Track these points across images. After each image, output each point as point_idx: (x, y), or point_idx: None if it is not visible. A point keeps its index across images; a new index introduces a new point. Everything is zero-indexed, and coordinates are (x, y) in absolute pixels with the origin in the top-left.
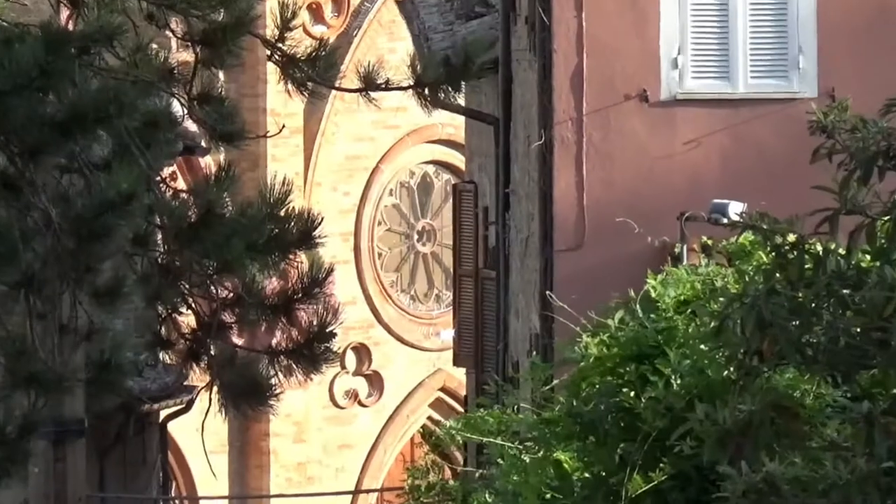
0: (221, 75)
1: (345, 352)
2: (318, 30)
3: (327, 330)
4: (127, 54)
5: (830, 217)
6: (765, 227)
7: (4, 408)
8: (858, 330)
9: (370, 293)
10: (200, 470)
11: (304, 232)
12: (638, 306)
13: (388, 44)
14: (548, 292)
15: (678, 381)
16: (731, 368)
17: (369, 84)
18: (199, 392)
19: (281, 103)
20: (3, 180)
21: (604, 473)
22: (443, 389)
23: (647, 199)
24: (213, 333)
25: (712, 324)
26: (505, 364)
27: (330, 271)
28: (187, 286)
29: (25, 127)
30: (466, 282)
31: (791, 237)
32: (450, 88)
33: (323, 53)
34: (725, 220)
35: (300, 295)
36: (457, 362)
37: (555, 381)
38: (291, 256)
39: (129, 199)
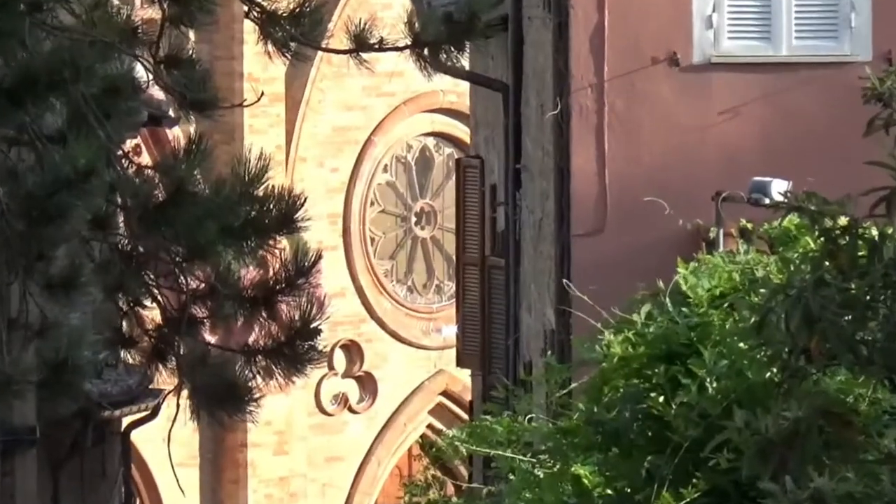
0: (192, 35)
1: (333, 351)
2: None
3: (312, 326)
4: (84, 11)
5: (887, 197)
6: (812, 208)
7: None
8: None
9: (361, 284)
10: (168, 485)
11: (286, 214)
12: (667, 299)
13: None
14: (565, 282)
15: (713, 385)
16: (774, 370)
17: (360, 44)
18: (166, 396)
19: (260, 67)
20: None
21: (629, 490)
22: (444, 394)
23: (677, 176)
24: (183, 329)
25: (752, 319)
26: (515, 365)
27: (316, 259)
28: (153, 276)
29: None
30: (471, 271)
31: (842, 220)
32: (452, 49)
33: (308, 9)
34: (767, 201)
35: (282, 286)
36: (460, 363)
37: (573, 385)
38: (271, 242)
39: (87, 176)
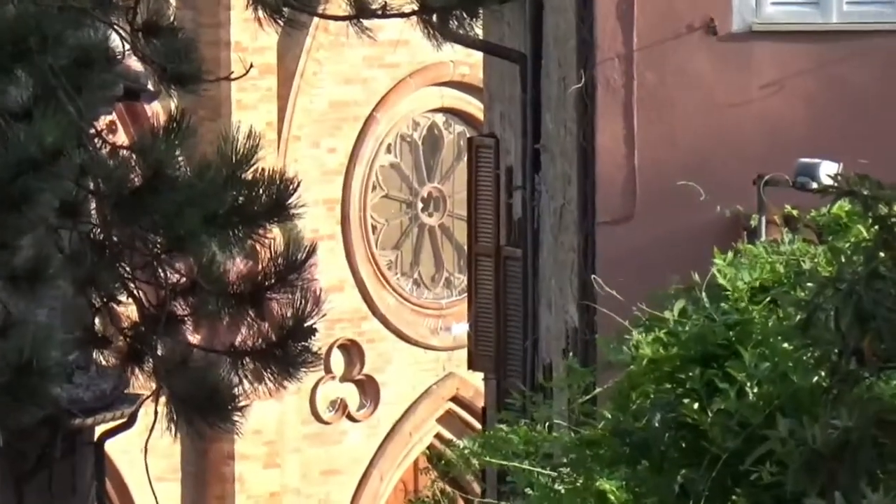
0: (173, 0)
1: (329, 351)
2: None
3: (307, 324)
4: None
5: None
6: (865, 192)
7: None
8: None
9: (362, 277)
10: (145, 502)
11: (278, 199)
12: (703, 294)
13: None
14: (594, 277)
15: (754, 390)
16: (823, 373)
17: (361, 10)
18: (143, 403)
19: (249, 36)
20: None
21: None
22: (454, 400)
23: (714, 157)
24: (161, 328)
25: (798, 316)
26: (534, 368)
27: (311, 250)
28: (128, 268)
29: None
30: (485, 262)
31: None
32: (464, 15)
33: None
34: (815, 185)
35: (272, 280)
36: (472, 365)
37: (597, 390)
38: (261, 231)
39: (55, 157)
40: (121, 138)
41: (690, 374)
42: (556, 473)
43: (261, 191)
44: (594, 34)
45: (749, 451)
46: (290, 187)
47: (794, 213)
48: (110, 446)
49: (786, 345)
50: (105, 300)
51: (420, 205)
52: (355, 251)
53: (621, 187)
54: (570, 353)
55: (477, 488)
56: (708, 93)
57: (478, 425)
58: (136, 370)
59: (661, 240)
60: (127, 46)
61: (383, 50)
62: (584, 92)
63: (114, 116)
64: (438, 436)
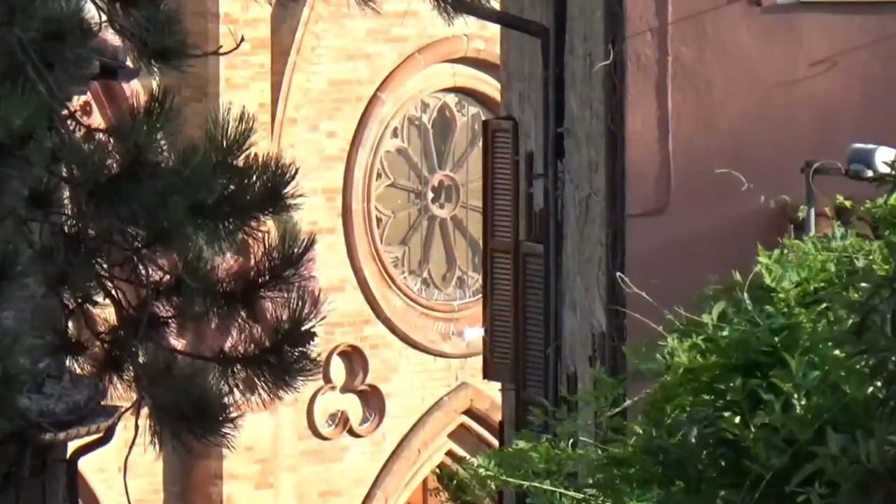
0: None
1: (329, 358)
2: None
3: (304, 327)
4: None
5: None
6: None
7: None
8: None
9: (365, 275)
10: None
11: (272, 188)
12: (745, 295)
13: None
14: (619, 275)
15: (802, 402)
16: (878, 383)
17: None
18: (121, 415)
19: (239, 7)
20: None
21: None
22: (468, 413)
23: (758, 142)
24: (143, 332)
25: (851, 320)
26: (556, 378)
27: (308, 244)
28: (105, 265)
29: None
30: (502, 259)
31: None
32: None
33: None
34: (869, 173)
35: (266, 278)
36: (488, 374)
37: (627, 403)
38: (253, 223)
39: (24, 141)
40: (96, 120)
41: (731, 384)
42: (581, 495)
43: (253, 178)
44: (624, 5)
45: (796, 470)
46: (286, 175)
47: (847, 204)
48: (85, 464)
49: (837, 352)
50: (79, 300)
51: (430, 195)
52: (357, 247)
53: (653, 175)
54: (597, 362)
55: None
56: (751, 70)
57: (494, 441)
58: (115, 379)
59: (698, 234)
60: (103, 18)
61: (389, 22)
62: (613, 70)
63: (89, 96)
64: (450, 453)
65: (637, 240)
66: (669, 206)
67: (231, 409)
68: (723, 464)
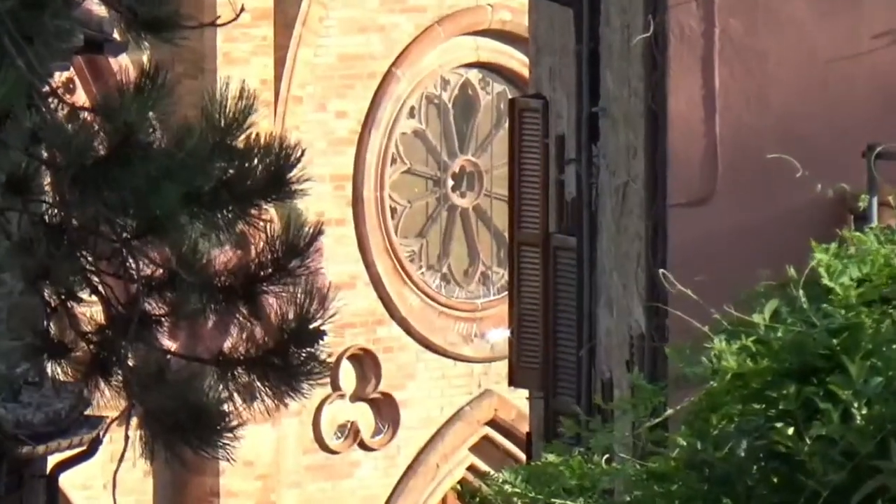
0: None
1: (338, 363)
2: None
3: (311, 327)
4: None
5: None
6: None
7: None
8: None
9: (378, 271)
10: None
11: (275, 174)
12: (800, 293)
13: None
14: (661, 271)
15: (863, 412)
16: None
17: None
18: (108, 426)
19: None
20: None
21: None
22: (492, 424)
23: (815, 124)
24: (133, 332)
25: None
26: (590, 384)
27: (315, 235)
28: (91, 258)
29: None
30: (530, 254)
31: None
32: None
33: None
34: None
35: (268, 271)
36: (514, 380)
37: (669, 412)
38: (255, 212)
39: (1, 121)
40: (81, 98)
41: (784, 391)
42: None
43: (254, 162)
44: None
45: (856, 486)
46: (291, 158)
47: None
48: (66, 480)
49: None
50: (62, 297)
51: (450, 182)
52: (370, 239)
53: (698, 161)
54: (635, 366)
55: None
56: (807, 43)
57: (521, 455)
58: (101, 385)
59: (748, 226)
60: None
61: None
62: (653, 43)
63: (72, 72)
64: (472, 468)
65: (680, 232)
66: (716, 195)
67: (230, 417)
68: (775, 480)
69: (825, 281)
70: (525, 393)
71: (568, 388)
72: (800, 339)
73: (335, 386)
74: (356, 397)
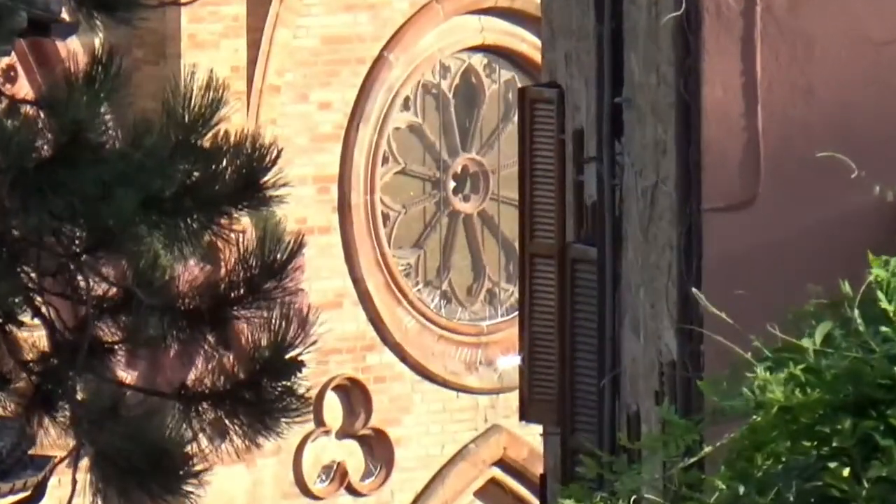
0: None
1: (322, 395)
2: None
3: (289, 355)
4: None
5: None
6: None
7: None
8: None
9: (368, 288)
10: None
11: (248, 176)
12: (856, 313)
13: None
14: (693, 291)
15: None
16: None
17: None
18: (54, 468)
19: None
20: None
21: None
22: (501, 464)
23: (871, 116)
24: (82, 361)
25: None
26: (613, 418)
27: (296, 248)
28: (34, 274)
29: None
30: (544, 267)
31: None
32: None
33: None
34: None
35: (240, 291)
36: (526, 414)
37: (706, 451)
38: (224, 221)
39: None
40: (23, 88)
41: (839, 426)
42: None
43: (224, 163)
44: None
45: None
46: (266, 158)
47: None
48: None
49: None
50: (2, 321)
51: (451, 184)
52: (359, 251)
53: (738, 159)
54: (666, 398)
55: None
56: (861, 24)
57: (534, 500)
58: (45, 421)
59: (795, 234)
60: None
61: None
62: (686, 22)
63: (13, 58)
64: None
65: (717, 241)
66: (758, 198)
67: (195, 459)
68: None
69: (883, 302)
70: (538, 429)
71: (588, 424)
72: (856, 366)
73: (319, 421)
74: (343, 434)
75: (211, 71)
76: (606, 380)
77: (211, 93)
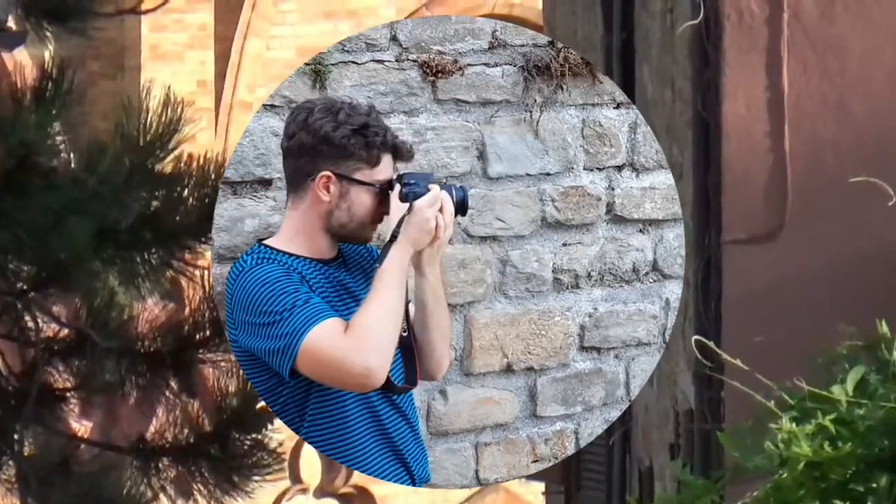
0: None
1: (298, 448)
2: None
3: (260, 405)
4: None
5: None
6: None
7: None
8: None
9: None
10: None
11: (213, 205)
12: (895, 356)
13: None
14: (695, 338)
15: None
16: None
17: None
18: None
19: None
20: None
21: None
22: None
23: None
24: (29, 411)
25: None
26: (623, 475)
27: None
28: None
29: None
30: None
31: None
32: None
33: None
34: None
35: (205, 333)
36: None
37: None
38: (187, 256)
39: None
40: None
41: (874, 484)
42: None
43: (185, 192)
44: None
45: None
46: None
47: None
48: None
49: None
50: None
51: None
52: None
53: (762, 184)
54: (681, 452)
55: None
56: None
57: None
58: None
59: (825, 268)
60: None
61: None
62: (704, 32)
63: None
64: None
65: (738, 276)
66: (784, 229)
67: None
68: None
69: None
70: (540, 486)
71: (595, 481)
72: (892, 416)
73: (295, 478)
74: (322, 492)
75: (167, 88)
76: (617, 436)
77: (172, 110)
